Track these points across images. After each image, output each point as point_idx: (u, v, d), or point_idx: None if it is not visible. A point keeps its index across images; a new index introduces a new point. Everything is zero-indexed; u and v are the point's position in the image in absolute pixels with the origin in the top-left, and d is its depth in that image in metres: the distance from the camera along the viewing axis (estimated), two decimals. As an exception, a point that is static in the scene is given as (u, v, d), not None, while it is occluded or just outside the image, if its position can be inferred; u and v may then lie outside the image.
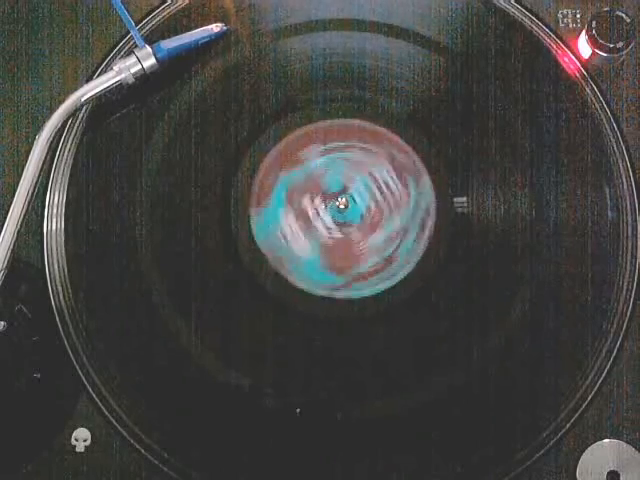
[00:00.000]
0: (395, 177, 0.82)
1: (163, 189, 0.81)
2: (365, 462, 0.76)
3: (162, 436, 0.76)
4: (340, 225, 0.81)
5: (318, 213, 0.81)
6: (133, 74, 0.79)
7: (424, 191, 0.81)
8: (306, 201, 0.81)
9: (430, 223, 0.80)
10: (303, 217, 0.81)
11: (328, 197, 0.81)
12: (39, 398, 0.75)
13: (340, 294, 0.79)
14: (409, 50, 0.84)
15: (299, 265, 0.80)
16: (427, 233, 0.80)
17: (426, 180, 0.81)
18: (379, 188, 0.81)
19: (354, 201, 0.81)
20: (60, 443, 0.76)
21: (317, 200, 0.81)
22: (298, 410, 0.76)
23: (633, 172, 0.81)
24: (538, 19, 0.85)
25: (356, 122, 0.83)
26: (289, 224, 0.81)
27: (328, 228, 0.81)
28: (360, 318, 0.79)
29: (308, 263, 0.80)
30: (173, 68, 0.82)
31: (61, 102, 0.77)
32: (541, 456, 0.76)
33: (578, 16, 0.86)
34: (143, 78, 0.80)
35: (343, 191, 0.81)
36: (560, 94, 0.83)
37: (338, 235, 0.81)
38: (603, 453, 0.76)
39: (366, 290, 0.79)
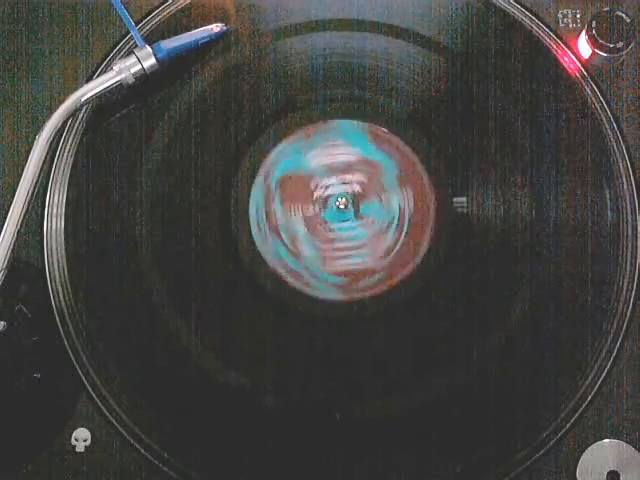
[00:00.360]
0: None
1: (163, 189, 0.81)
2: (365, 462, 0.76)
3: (162, 436, 0.76)
4: (340, 224, 0.81)
5: (318, 205, 0.81)
6: (133, 74, 0.79)
7: (427, 214, 0.81)
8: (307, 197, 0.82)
9: (421, 251, 0.80)
10: (303, 211, 0.81)
11: (327, 198, 0.81)
12: (39, 398, 0.75)
13: (350, 294, 0.79)
14: (409, 50, 0.84)
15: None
16: (415, 259, 0.80)
17: (431, 203, 0.81)
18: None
19: (354, 202, 0.81)
20: (60, 443, 0.76)
21: (318, 192, 0.82)
22: (337, 415, 0.76)
23: (633, 172, 0.81)
24: (538, 19, 0.85)
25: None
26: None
27: (326, 225, 0.81)
28: (360, 318, 0.79)
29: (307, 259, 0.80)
30: (173, 68, 0.82)
31: (61, 102, 0.77)
32: (541, 456, 0.76)
33: (578, 16, 0.86)
34: (143, 78, 0.80)
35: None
36: (560, 94, 0.83)
37: (336, 234, 0.81)
38: (603, 453, 0.76)
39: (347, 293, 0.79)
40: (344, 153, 0.82)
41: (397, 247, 0.80)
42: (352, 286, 0.79)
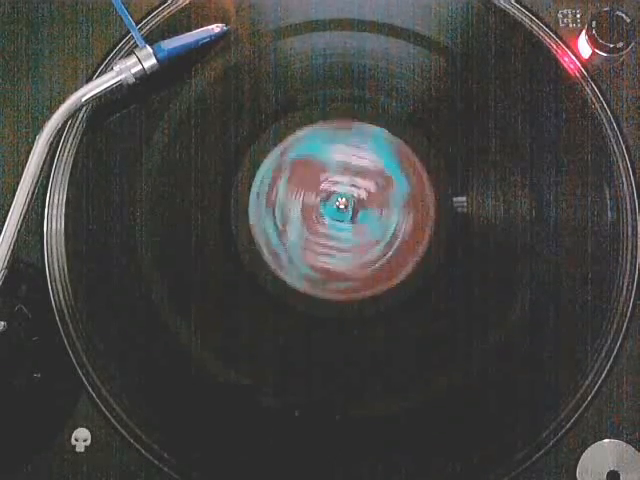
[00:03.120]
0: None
1: (163, 189, 0.81)
2: (365, 462, 0.76)
3: (162, 436, 0.76)
4: (334, 222, 0.81)
5: (317, 202, 0.81)
6: (133, 74, 0.79)
7: (427, 214, 0.81)
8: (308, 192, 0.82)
9: (421, 251, 0.80)
10: (303, 205, 0.82)
11: (331, 193, 0.82)
12: (39, 398, 0.75)
13: (315, 290, 0.79)
14: (409, 50, 0.84)
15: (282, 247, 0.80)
16: (415, 259, 0.80)
17: (431, 203, 0.81)
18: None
19: (354, 203, 0.81)
20: (60, 443, 0.76)
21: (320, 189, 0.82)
22: (297, 412, 0.76)
23: (633, 172, 0.81)
24: (538, 19, 0.85)
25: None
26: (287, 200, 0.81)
27: (324, 223, 0.81)
28: (360, 318, 0.79)
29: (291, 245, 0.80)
30: (173, 68, 0.82)
31: (61, 102, 0.77)
32: (541, 456, 0.76)
33: (578, 16, 0.86)
34: (143, 78, 0.80)
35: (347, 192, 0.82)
36: (560, 94, 0.83)
37: (326, 230, 0.81)
38: (603, 453, 0.76)
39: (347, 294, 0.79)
40: (365, 158, 0.82)
41: (378, 264, 0.80)
42: (322, 284, 0.79)
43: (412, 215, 0.81)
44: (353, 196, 0.81)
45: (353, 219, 0.81)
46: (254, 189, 0.82)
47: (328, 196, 0.82)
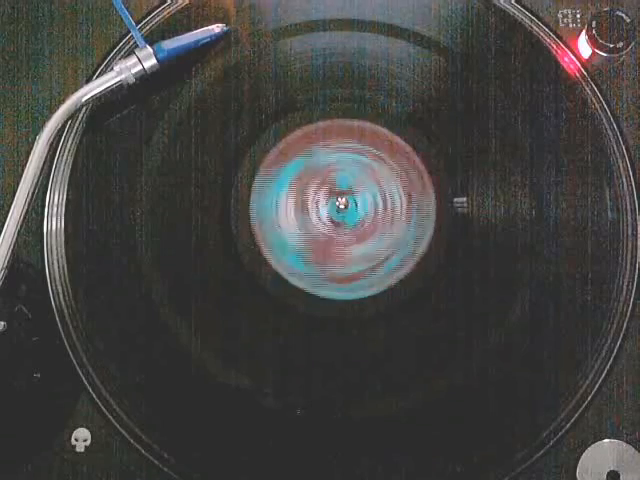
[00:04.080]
0: (403, 194, 0.82)
1: (163, 189, 0.81)
2: (365, 462, 0.76)
3: (162, 436, 0.76)
4: (334, 223, 0.81)
5: (317, 204, 0.81)
6: (134, 74, 0.79)
7: (427, 215, 0.81)
8: (310, 189, 0.81)
9: (421, 251, 0.80)
10: (302, 202, 0.81)
11: (332, 193, 0.82)
12: (39, 398, 0.75)
13: (315, 290, 0.79)
14: (409, 50, 0.84)
15: (280, 246, 0.80)
16: (415, 259, 0.80)
17: (431, 203, 0.81)
18: (384, 201, 0.81)
19: (355, 205, 0.81)
20: (60, 443, 0.76)
21: (320, 192, 0.82)
22: (298, 411, 0.76)
23: (633, 172, 0.81)
24: (538, 19, 0.85)
25: (375, 127, 0.83)
26: (286, 203, 0.81)
27: (322, 222, 0.81)
28: (360, 318, 0.79)
29: (289, 246, 0.80)
30: (173, 68, 0.82)
31: (61, 102, 0.77)
32: (541, 456, 0.76)
33: (578, 16, 0.86)
34: (143, 78, 0.80)
35: (349, 192, 0.81)
36: (560, 94, 0.83)
37: (327, 231, 0.81)
38: (603, 453, 0.76)
39: (347, 293, 0.79)
40: (360, 157, 0.82)
41: (378, 263, 0.80)
42: (322, 284, 0.79)
43: (412, 215, 0.81)
44: (353, 196, 0.81)
45: (353, 219, 0.81)
46: (254, 189, 0.82)
47: (328, 196, 0.82)
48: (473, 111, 0.83)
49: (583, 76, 0.84)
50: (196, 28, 0.83)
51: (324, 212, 0.81)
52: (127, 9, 0.79)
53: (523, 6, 0.86)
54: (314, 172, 0.82)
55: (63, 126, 0.77)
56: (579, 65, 0.84)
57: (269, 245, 0.80)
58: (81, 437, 0.76)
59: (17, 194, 0.74)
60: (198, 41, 0.82)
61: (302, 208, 0.81)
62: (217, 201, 0.81)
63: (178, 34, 0.82)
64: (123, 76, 0.79)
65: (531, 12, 0.86)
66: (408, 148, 0.82)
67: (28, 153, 0.75)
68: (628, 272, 0.79)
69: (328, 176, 0.82)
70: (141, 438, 0.76)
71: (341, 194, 0.81)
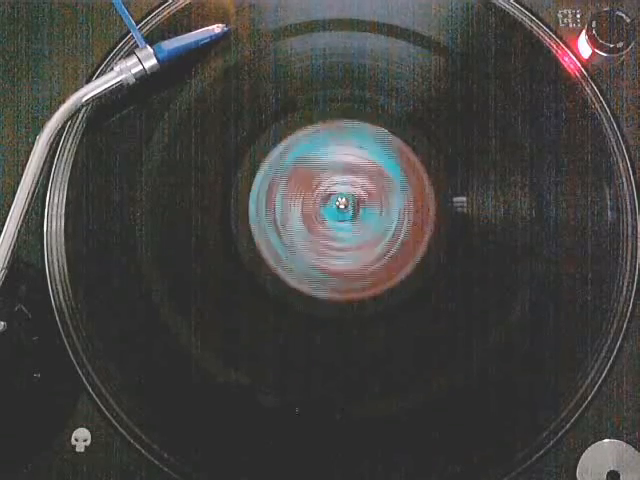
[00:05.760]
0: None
1: (163, 189, 0.81)
2: (365, 462, 0.76)
3: (162, 436, 0.76)
4: (334, 222, 0.81)
5: (317, 204, 0.81)
6: (134, 74, 0.79)
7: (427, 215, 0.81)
8: (310, 189, 0.82)
9: (421, 251, 0.80)
10: (302, 202, 0.82)
11: (332, 193, 0.82)
12: (39, 398, 0.75)
13: (315, 290, 0.79)
14: (409, 50, 0.84)
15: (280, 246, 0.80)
16: (415, 259, 0.80)
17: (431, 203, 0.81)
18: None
19: (355, 205, 0.81)
20: (60, 443, 0.76)
21: (320, 192, 0.82)
22: (297, 410, 0.76)
23: (633, 172, 0.81)
24: (538, 19, 0.85)
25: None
26: (286, 203, 0.81)
27: (322, 222, 0.81)
28: (360, 318, 0.79)
29: (289, 246, 0.81)
30: (173, 68, 0.82)
31: (61, 102, 0.77)
32: (541, 456, 0.76)
33: (578, 16, 0.86)
34: (143, 78, 0.80)
35: (349, 192, 0.82)
36: (560, 94, 0.83)
37: (327, 231, 0.81)
38: (603, 453, 0.76)
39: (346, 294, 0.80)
40: (364, 158, 0.82)
41: (378, 264, 0.80)
42: (322, 284, 0.79)
43: (412, 215, 0.81)
44: (353, 196, 0.82)
45: (353, 219, 0.81)
46: (254, 189, 0.82)
47: (328, 196, 0.82)
48: (473, 111, 0.83)
49: (583, 76, 0.84)
50: (196, 28, 0.83)
51: (324, 212, 0.81)
52: (127, 9, 0.79)
53: (523, 6, 0.86)
54: (314, 172, 0.82)
55: (63, 126, 0.77)
56: (579, 65, 0.84)
57: (269, 245, 0.80)
58: (81, 437, 0.76)
59: (17, 194, 0.74)
60: (198, 41, 0.82)
61: (302, 208, 0.82)
62: (217, 201, 0.81)
63: (178, 34, 0.82)
64: (123, 76, 0.79)
65: (531, 12, 0.86)
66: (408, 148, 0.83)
67: (28, 153, 0.75)
68: (628, 272, 0.79)
69: (328, 176, 0.82)
70: (141, 438, 0.76)
71: (341, 194, 0.81)
